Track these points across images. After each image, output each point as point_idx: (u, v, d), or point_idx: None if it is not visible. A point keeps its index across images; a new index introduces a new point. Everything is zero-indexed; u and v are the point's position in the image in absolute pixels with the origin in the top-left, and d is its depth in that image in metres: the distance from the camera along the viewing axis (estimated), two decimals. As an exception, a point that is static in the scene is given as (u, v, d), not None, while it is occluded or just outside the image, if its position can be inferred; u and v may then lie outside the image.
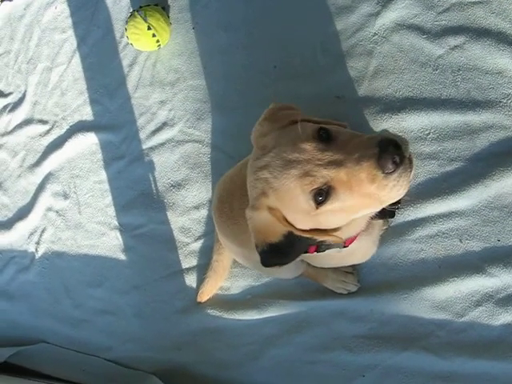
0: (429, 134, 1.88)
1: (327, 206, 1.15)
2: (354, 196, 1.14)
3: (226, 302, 2.22)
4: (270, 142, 1.23)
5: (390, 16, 2.02)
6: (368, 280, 1.95)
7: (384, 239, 1.89)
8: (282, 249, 1.24)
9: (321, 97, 2.09)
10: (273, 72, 2.21)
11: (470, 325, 1.79)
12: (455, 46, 1.90)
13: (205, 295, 2.24)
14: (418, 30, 1.96)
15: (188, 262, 2.34)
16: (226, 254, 2.13)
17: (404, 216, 1.89)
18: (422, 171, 1.88)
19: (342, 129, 1.24)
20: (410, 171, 1.13)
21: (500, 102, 1.81)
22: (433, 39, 1.93)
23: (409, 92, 1.93)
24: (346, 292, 1.99)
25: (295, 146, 1.16)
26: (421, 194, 1.88)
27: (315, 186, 1.13)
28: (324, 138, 1.17)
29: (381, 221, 1.57)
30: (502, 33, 1.84)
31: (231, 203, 1.66)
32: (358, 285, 1.97)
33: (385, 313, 1.92)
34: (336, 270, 1.97)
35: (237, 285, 2.21)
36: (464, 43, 1.88)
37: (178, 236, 2.37)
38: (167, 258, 2.39)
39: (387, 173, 1.08)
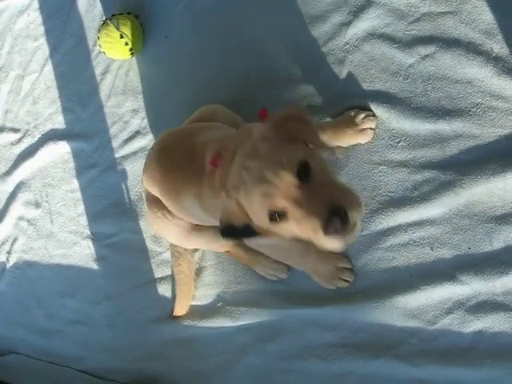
0: (399, 141, 1.90)
1: (279, 226, 1.33)
2: (301, 230, 1.31)
3: (198, 311, 2.20)
4: (263, 150, 1.37)
5: (361, 26, 2.03)
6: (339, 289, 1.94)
7: (355, 248, 1.91)
8: (239, 231, 1.42)
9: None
10: (246, 80, 2.21)
11: (441, 332, 1.79)
12: (426, 56, 1.91)
13: (180, 310, 2.22)
14: (389, 39, 1.98)
15: (160, 271, 2.32)
16: (186, 264, 2.17)
17: (375, 224, 1.89)
18: (393, 179, 1.89)
19: (323, 168, 1.37)
20: (350, 235, 1.29)
21: (469, 111, 1.82)
22: (404, 48, 1.95)
23: (379, 100, 1.94)
24: (275, 279, 2.05)
25: (276, 170, 1.29)
26: (391, 202, 1.88)
27: (273, 209, 1.30)
28: (303, 174, 1.30)
29: None
30: (471, 43, 1.86)
31: (173, 158, 1.83)
32: (288, 272, 2.03)
33: (357, 321, 1.91)
34: (267, 256, 2.01)
35: (208, 293, 2.20)
36: (434, 53, 1.90)
37: (151, 245, 2.35)
38: (140, 268, 2.37)
39: (328, 235, 1.25)
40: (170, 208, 1.93)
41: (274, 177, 1.29)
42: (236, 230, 1.43)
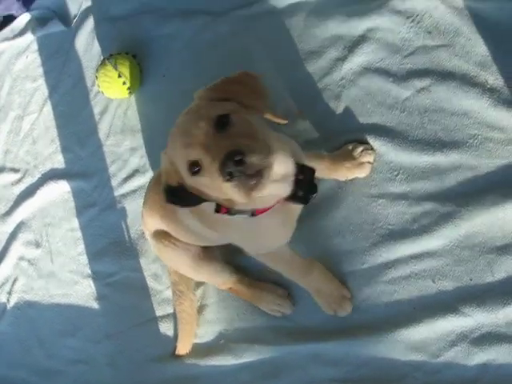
0: (398, 174, 1.90)
1: (199, 179, 1.33)
2: (213, 181, 1.29)
3: (200, 348, 2.18)
4: (194, 108, 1.42)
5: (356, 60, 2.05)
6: (342, 323, 1.92)
7: (356, 281, 1.91)
8: (177, 192, 1.42)
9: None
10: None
11: (445, 365, 1.77)
12: (421, 89, 1.93)
13: (183, 348, 2.20)
14: (385, 73, 2.00)
15: (161, 309, 2.30)
16: (187, 302, 2.15)
17: (376, 257, 1.89)
18: (392, 212, 1.89)
19: (248, 123, 1.36)
20: (256, 183, 1.28)
21: (466, 142, 1.83)
22: (399, 82, 1.97)
23: (377, 134, 1.95)
24: (280, 315, 2.04)
25: (196, 121, 1.32)
26: (391, 234, 1.88)
27: (189, 159, 1.31)
28: (222, 124, 1.31)
29: (296, 205, 1.61)
30: (465, 75, 1.88)
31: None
32: (293, 308, 2.02)
33: (360, 355, 1.89)
34: (271, 291, 2.04)
35: (210, 331, 2.18)
36: (430, 85, 1.92)
37: (151, 283, 2.34)
38: (141, 306, 2.35)
39: (224, 179, 1.24)
40: (174, 233, 1.93)
41: (193, 128, 1.31)
42: (175, 192, 1.43)
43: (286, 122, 1.52)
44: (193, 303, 2.17)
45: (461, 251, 1.79)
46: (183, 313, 2.16)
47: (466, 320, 1.75)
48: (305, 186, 1.51)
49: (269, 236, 1.70)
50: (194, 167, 1.31)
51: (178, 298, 2.16)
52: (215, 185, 1.30)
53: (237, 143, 1.26)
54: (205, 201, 1.42)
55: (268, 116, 1.45)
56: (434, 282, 1.82)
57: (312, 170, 1.56)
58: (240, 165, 1.23)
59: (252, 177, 1.27)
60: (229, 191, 1.28)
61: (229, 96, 1.41)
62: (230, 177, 1.23)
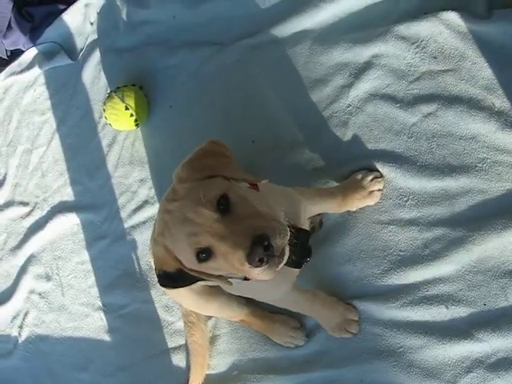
0: (407, 200, 1.90)
1: (208, 264, 1.31)
2: (228, 264, 1.28)
3: (213, 380, 2.16)
4: (182, 191, 1.36)
5: (362, 87, 2.05)
6: (356, 348, 1.91)
7: (369, 308, 1.89)
8: (174, 277, 1.40)
9: (298, 169, 2.11)
10: (251, 146, 2.23)
11: (462, 392, 1.74)
12: (428, 114, 1.93)
13: (195, 380, 2.17)
14: (391, 99, 2.00)
15: (173, 341, 2.29)
16: (199, 334, 2.14)
17: (388, 284, 1.88)
18: (403, 238, 1.88)
19: (243, 199, 1.35)
20: (278, 262, 1.27)
21: (476, 166, 1.83)
22: (406, 108, 1.97)
23: (385, 160, 1.95)
24: (293, 346, 2.02)
25: (196, 208, 1.29)
26: (403, 261, 1.87)
27: (198, 247, 1.28)
28: (222, 207, 1.30)
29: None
30: (472, 99, 1.88)
31: None
32: (306, 339, 2.01)
33: (375, 383, 1.87)
34: (284, 323, 2.03)
35: (223, 362, 2.16)
36: (436, 110, 1.92)
37: (163, 315, 2.33)
38: (152, 338, 2.34)
39: (253, 265, 1.23)
40: None
41: (194, 215, 1.28)
42: (171, 277, 1.40)
43: (265, 181, 1.51)
44: (204, 334, 2.15)
45: (473, 276, 1.78)
46: (195, 344, 2.15)
47: (481, 346, 1.73)
48: (299, 250, 1.51)
49: (265, 293, 1.74)
50: (203, 254, 1.29)
51: (190, 329, 2.14)
52: (228, 267, 1.29)
53: (255, 227, 1.26)
54: (202, 280, 1.41)
55: (246, 181, 1.46)
56: (447, 307, 1.80)
57: (307, 234, 1.58)
58: (267, 249, 1.23)
59: (278, 257, 1.27)
60: (252, 273, 1.27)
61: (210, 172, 1.40)
62: (260, 263, 1.23)
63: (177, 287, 1.47)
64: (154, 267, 1.48)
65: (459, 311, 1.79)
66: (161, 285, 1.46)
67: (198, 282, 1.44)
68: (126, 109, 2.39)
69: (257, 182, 1.48)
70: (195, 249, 1.29)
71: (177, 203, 1.34)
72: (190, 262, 1.33)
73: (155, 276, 2.22)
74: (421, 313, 1.83)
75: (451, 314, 1.80)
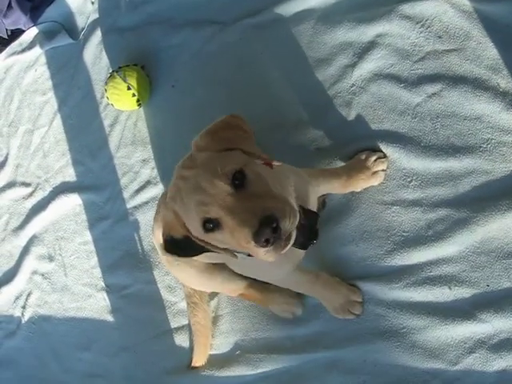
0: (411, 181, 1.89)
1: (215, 236, 1.31)
2: (234, 240, 1.28)
3: (216, 360, 2.17)
4: (199, 160, 1.36)
5: (366, 67, 2.04)
6: (359, 329, 1.91)
7: (372, 288, 1.89)
8: (180, 245, 1.41)
9: (302, 149, 2.10)
10: (255, 125, 2.21)
11: (464, 373, 1.74)
12: (432, 94, 1.91)
13: (198, 360, 2.19)
14: (395, 79, 1.98)
15: (176, 321, 2.30)
16: (202, 314, 2.15)
17: (391, 264, 1.88)
18: (406, 219, 1.88)
19: (261, 177, 1.36)
20: (284, 245, 1.29)
21: (480, 147, 1.82)
22: (410, 88, 1.95)
23: (389, 140, 1.94)
24: (291, 316, 2.03)
25: (211, 178, 1.29)
26: (406, 241, 1.87)
27: (206, 216, 1.29)
28: (237, 181, 1.30)
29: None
30: (477, 79, 1.87)
31: None
32: (303, 306, 2.02)
33: (378, 363, 1.88)
34: (281, 292, 2.03)
35: (226, 341, 2.17)
36: (441, 90, 1.90)
37: (166, 295, 2.33)
38: (155, 318, 2.35)
39: (259, 245, 1.23)
40: None
41: (208, 185, 1.29)
42: (179, 245, 1.41)
43: (279, 163, 1.51)
44: (207, 315, 2.17)
45: (477, 257, 1.78)
46: (198, 324, 2.16)
47: (483, 326, 1.73)
48: (306, 232, 1.52)
49: (268, 273, 1.74)
50: (209, 224, 1.30)
51: (192, 309, 2.15)
52: (233, 243, 1.30)
53: (266, 207, 1.26)
54: (208, 251, 1.41)
55: (261, 159, 1.44)
56: (450, 288, 1.80)
57: (316, 216, 1.59)
58: (275, 231, 1.23)
59: (285, 241, 1.28)
60: (256, 252, 1.28)
61: (228, 145, 1.40)
62: (266, 243, 1.23)
63: (181, 255, 1.48)
64: (156, 244, 1.56)
65: (462, 292, 1.78)
66: (166, 251, 1.45)
67: (204, 254, 1.44)
68: (128, 89, 2.38)
69: (271, 162, 1.48)
70: (202, 218, 1.29)
71: (193, 171, 1.34)
72: (196, 231, 1.34)
73: (158, 255, 2.27)
74: (424, 293, 1.83)
75: (454, 295, 1.79)
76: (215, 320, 2.19)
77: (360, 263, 1.93)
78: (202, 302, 2.16)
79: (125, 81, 2.38)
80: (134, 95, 2.40)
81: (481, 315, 1.74)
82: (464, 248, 1.79)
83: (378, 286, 1.88)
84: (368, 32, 2.06)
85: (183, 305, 2.26)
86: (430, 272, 1.83)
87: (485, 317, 1.73)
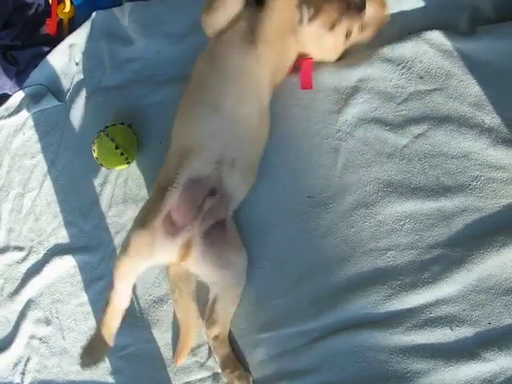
0: (404, 224, 1.88)
1: None
2: None
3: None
4: None
5: (351, 112, 2.05)
6: (362, 377, 1.88)
7: (371, 334, 1.87)
8: None
9: (293, 196, 2.10)
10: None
11: (473, 413, 1.72)
12: (419, 135, 1.93)
13: (179, 359, 2.20)
14: (381, 122, 2.00)
15: (178, 379, 2.24)
16: (182, 311, 2.19)
17: (390, 309, 1.86)
18: (402, 263, 1.87)
19: None
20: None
21: (470, 184, 1.83)
22: (396, 130, 1.97)
23: (379, 184, 1.95)
24: None
25: None
26: (403, 285, 1.85)
27: None
28: None
29: None
30: (462, 116, 1.89)
31: None
32: None
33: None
34: None
35: None
36: (427, 131, 1.92)
37: (166, 353, 2.29)
38: (156, 377, 2.29)
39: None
40: None
41: None
42: None
43: None
44: (189, 312, 2.18)
45: (476, 295, 1.77)
46: (180, 321, 2.20)
47: (488, 365, 1.71)
48: None
49: None
50: None
51: (175, 301, 2.21)
52: None
53: None
54: None
55: None
56: (451, 329, 1.78)
57: None
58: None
59: None
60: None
61: None
62: None
63: None
64: None
65: (464, 331, 1.77)
66: None
67: None
68: (116, 148, 2.37)
69: None
70: None
71: None
72: None
73: (156, 314, 2.25)
74: (426, 336, 1.81)
75: (456, 335, 1.78)
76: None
77: (359, 311, 1.91)
78: (182, 298, 2.16)
79: (112, 140, 2.38)
80: (122, 154, 2.40)
81: (485, 354, 1.72)
82: (462, 287, 1.78)
83: (378, 332, 1.85)
84: (350, 77, 2.08)
85: (184, 361, 2.22)
86: (430, 314, 1.81)
87: (489, 355, 1.71)
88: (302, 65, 2.09)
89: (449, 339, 1.79)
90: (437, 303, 1.81)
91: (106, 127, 2.45)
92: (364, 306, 1.90)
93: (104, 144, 2.40)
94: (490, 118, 1.86)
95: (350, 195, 1.99)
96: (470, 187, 1.83)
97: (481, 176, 1.82)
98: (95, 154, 2.44)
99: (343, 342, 1.90)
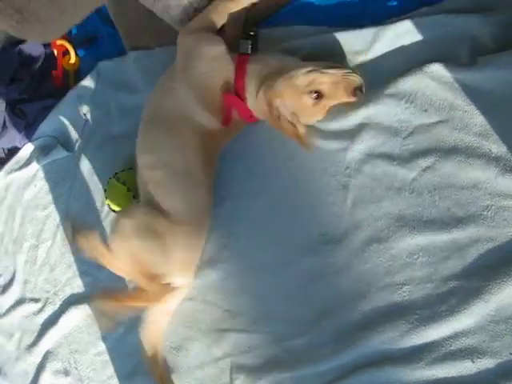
0: (418, 258, 1.87)
1: None
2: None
3: None
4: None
5: (358, 148, 2.05)
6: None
7: (392, 370, 1.85)
8: None
9: (305, 235, 2.11)
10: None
11: None
12: (426, 167, 1.92)
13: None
14: (388, 157, 2.00)
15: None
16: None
17: (409, 344, 1.83)
18: (418, 297, 1.85)
19: None
20: None
21: (481, 214, 1.81)
22: (404, 164, 1.96)
23: (390, 219, 1.94)
24: None
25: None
26: (421, 320, 1.83)
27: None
28: None
29: None
30: (468, 147, 1.88)
31: None
32: None
33: None
34: None
35: None
36: (434, 163, 1.91)
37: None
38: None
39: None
40: None
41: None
42: None
43: None
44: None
45: (495, 326, 1.74)
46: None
47: (511, 396, 1.69)
48: None
49: None
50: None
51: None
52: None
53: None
54: None
55: None
56: (472, 361, 1.75)
57: None
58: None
59: None
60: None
61: None
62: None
63: None
64: None
65: (485, 363, 1.74)
66: None
67: None
68: (128, 191, 2.41)
69: None
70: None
71: None
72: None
73: (173, 360, 2.25)
74: (447, 369, 1.77)
75: (477, 367, 1.74)
76: None
77: (378, 348, 1.88)
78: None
79: (124, 184, 2.41)
80: (134, 197, 2.43)
81: (507, 385, 1.70)
82: (480, 318, 1.76)
83: (399, 368, 1.83)
84: (355, 114, 2.08)
85: (203, 407, 2.21)
86: (450, 347, 1.78)
87: (511, 386, 1.69)
88: (225, 100, 2.14)
89: (470, 372, 1.75)
90: (456, 336, 1.78)
91: (116, 173, 2.49)
92: (383, 342, 1.88)
93: (116, 188, 2.43)
94: (497, 147, 1.85)
95: (362, 231, 1.98)
96: (482, 217, 1.81)
97: (492, 205, 1.81)
98: (107, 201, 2.46)
99: (363, 381, 1.87)
